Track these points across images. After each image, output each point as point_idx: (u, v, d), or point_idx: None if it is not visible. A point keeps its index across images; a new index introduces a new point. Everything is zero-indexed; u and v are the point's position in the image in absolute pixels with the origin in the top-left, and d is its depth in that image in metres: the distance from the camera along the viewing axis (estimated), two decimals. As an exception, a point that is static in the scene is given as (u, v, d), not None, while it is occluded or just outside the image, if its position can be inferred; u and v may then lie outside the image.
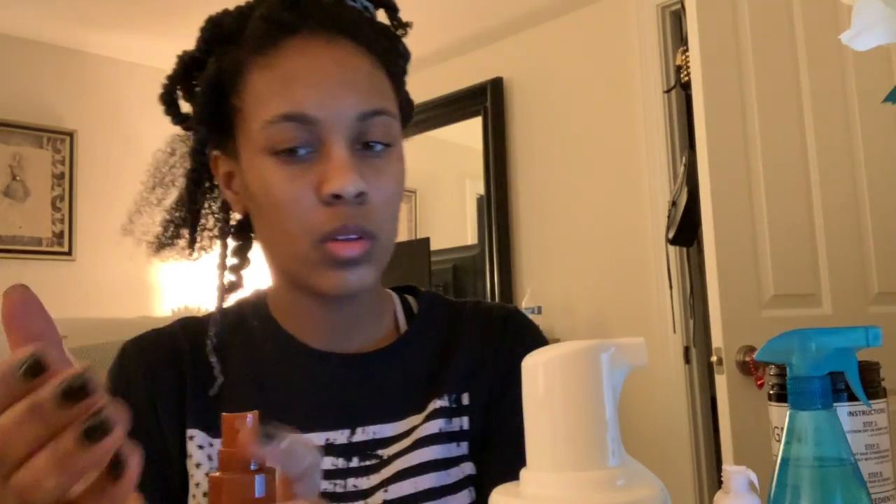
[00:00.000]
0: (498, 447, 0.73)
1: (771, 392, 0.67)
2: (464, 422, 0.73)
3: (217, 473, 0.39)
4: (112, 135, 3.47)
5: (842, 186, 1.91)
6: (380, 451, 0.71)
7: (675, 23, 2.92)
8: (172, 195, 0.79)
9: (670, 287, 2.76)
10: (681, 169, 2.64)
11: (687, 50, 2.24)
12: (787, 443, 0.47)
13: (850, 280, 1.87)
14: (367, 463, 0.71)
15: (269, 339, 0.76)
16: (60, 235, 3.38)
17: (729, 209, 1.71)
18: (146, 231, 0.80)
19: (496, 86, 3.44)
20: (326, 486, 0.69)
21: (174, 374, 0.73)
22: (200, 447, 0.70)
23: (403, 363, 0.76)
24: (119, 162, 3.38)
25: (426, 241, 3.30)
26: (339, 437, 0.71)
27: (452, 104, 3.58)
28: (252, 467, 0.39)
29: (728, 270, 1.68)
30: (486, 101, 3.45)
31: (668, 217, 2.66)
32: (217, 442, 0.70)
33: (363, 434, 0.72)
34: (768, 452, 0.61)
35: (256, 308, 0.78)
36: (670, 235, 2.65)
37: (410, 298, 0.83)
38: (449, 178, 3.94)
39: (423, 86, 3.56)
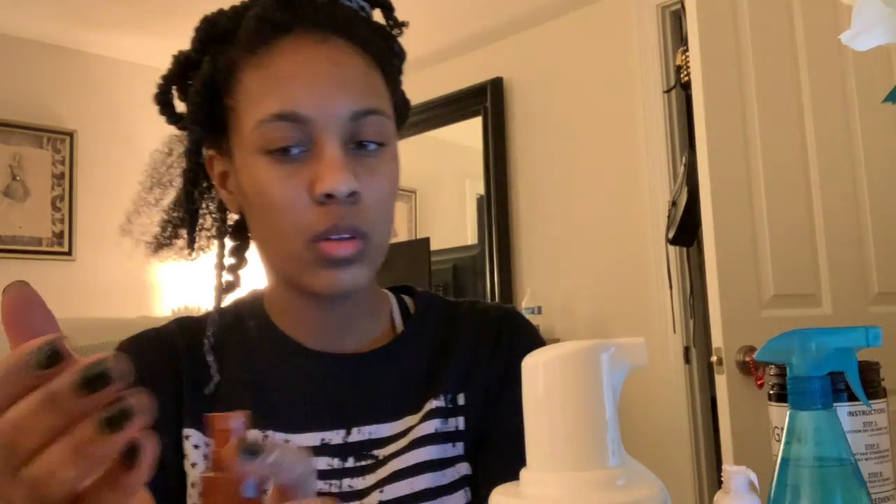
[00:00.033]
0: (495, 447, 0.72)
1: (771, 392, 0.67)
2: (460, 422, 0.73)
3: (210, 473, 0.38)
4: (112, 135, 3.47)
5: (842, 186, 1.91)
6: (375, 452, 0.71)
7: (675, 23, 2.92)
8: (170, 195, 0.79)
9: (670, 287, 2.76)
10: (681, 169, 2.64)
11: (687, 50, 2.24)
12: (787, 443, 0.47)
13: (850, 280, 1.87)
14: (363, 463, 0.71)
15: (265, 340, 0.76)
16: (60, 235, 3.38)
17: (729, 209, 1.71)
18: (144, 231, 0.80)
19: (496, 86, 3.44)
20: (321, 486, 0.69)
21: (171, 373, 0.73)
22: (196, 447, 0.70)
23: (399, 363, 0.76)
24: (119, 162, 3.38)
25: (426, 241, 3.30)
26: (335, 437, 0.71)
27: (452, 104, 3.58)
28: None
29: (728, 270, 1.68)
30: (486, 101, 3.45)
31: (668, 217, 2.66)
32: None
33: (359, 434, 0.71)
34: (768, 452, 0.61)
35: (253, 308, 0.78)
36: (670, 235, 2.65)
37: (407, 299, 0.83)
38: (449, 178, 3.94)
39: (423, 86, 3.56)
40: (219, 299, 0.76)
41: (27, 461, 0.33)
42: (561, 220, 3.19)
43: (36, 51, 3.37)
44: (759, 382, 1.64)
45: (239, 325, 0.76)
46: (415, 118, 3.68)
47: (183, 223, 0.77)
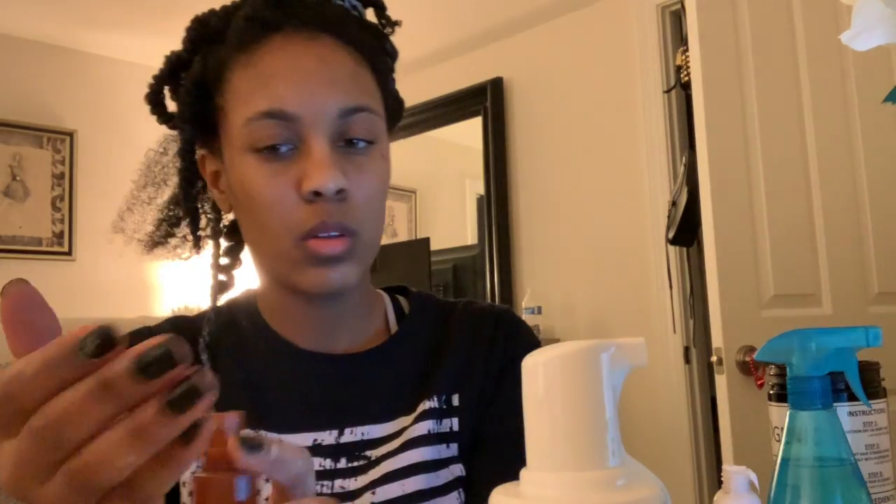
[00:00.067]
0: (494, 447, 0.72)
1: (771, 392, 0.67)
2: (454, 423, 0.73)
3: (201, 474, 0.38)
4: (112, 135, 3.47)
5: (842, 186, 1.91)
6: (368, 453, 0.71)
7: (675, 23, 2.92)
8: (164, 194, 0.79)
9: (670, 287, 2.76)
10: (681, 169, 2.64)
11: (687, 50, 2.24)
12: (787, 443, 0.47)
13: (850, 280, 1.87)
14: (355, 464, 0.70)
15: (258, 340, 0.76)
16: (60, 235, 3.38)
17: (729, 209, 1.71)
18: (137, 229, 0.79)
19: (496, 86, 3.44)
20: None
21: None
22: None
23: (393, 364, 0.75)
24: (119, 162, 3.38)
25: (426, 241, 3.30)
26: (327, 437, 0.71)
27: (452, 104, 3.58)
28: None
29: (728, 270, 1.68)
30: (485, 101, 3.45)
31: (668, 217, 2.66)
32: None
33: (351, 435, 0.71)
34: (768, 452, 0.61)
35: (246, 308, 0.78)
36: (670, 235, 2.65)
37: (402, 299, 0.83)
38: (449, 178, 3.94)
39: (423, 86, 3.57)
40: (214, 299, 0.76)
41: (73, 454, 0.32)
42: (561, 220, 3.19)
43: (36, 51, 3.37)
44: (759, 382, 1.64)
45: (232, 325, 0.76)
46: (415, 118, 3.70)
47: (178, 222, 0.77)
